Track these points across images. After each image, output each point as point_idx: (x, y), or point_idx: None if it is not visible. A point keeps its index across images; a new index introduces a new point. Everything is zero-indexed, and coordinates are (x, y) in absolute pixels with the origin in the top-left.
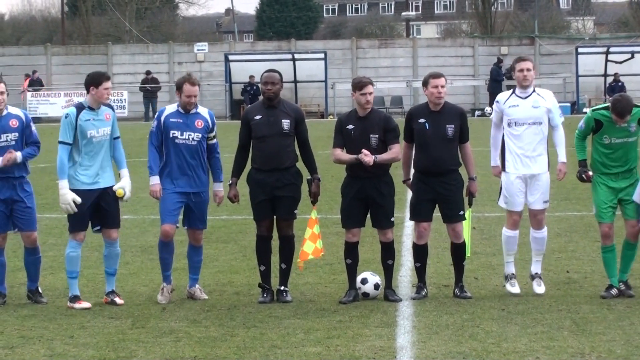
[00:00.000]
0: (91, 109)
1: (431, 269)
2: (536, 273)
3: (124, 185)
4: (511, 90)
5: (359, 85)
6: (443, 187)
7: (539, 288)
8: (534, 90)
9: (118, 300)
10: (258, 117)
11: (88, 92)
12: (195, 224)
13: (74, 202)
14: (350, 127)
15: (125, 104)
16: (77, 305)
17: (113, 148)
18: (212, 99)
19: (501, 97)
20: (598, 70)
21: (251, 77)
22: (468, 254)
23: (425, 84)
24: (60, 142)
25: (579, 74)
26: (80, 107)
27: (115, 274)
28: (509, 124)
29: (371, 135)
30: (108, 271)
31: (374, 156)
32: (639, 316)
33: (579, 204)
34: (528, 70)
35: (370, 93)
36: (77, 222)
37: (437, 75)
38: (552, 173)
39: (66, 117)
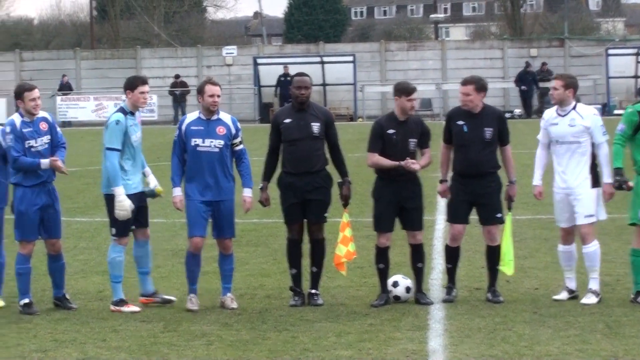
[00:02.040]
0: (131, 113)
1: (463, 271)
2: (589, 289)
3: (157, 183)
4: (555, 107)
5: (406, 90)
6: (480, 189)
7: (584, 299)
8: (573, 108)
9: (169, 297)
10: (288, 120)
11: (127, 96)
12: (222, 233)
13: (130, 208)
14: (392, 131)
15: (154, 108)
16: (125, 308)
17: None
18: (241, 102)
19: (546, 114)
20: (629, 71)
21: (285, 67)
22: (511, 270)
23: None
24: (109, 149)
25: (610, 75)
26: (124, 112)
27: (150, 273)
28: (551, 142)
29: (410, 140)
30: (144, 271)
31: (415, 161)
32: None
33: (610, 205)
34: (555, 89)
35: (416, 99)
36: (125, 227)
37: (465, 82)
38: None
39: (117, 124)
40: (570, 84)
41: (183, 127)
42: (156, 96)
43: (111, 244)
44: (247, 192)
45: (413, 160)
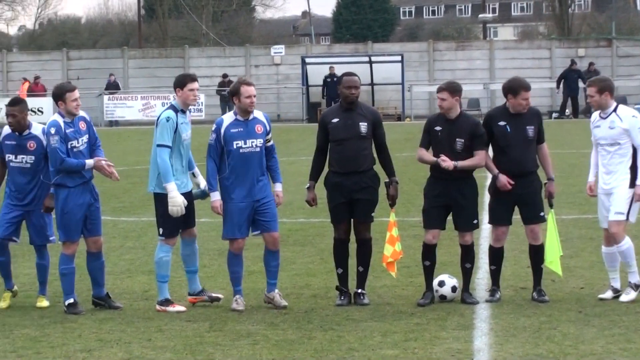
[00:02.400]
0: (182, 111)
1: (508, 271)
2: (629, 283)
3: (207, 184)
4: (599, 110)
5: (525, 87)
6: (523, 189)
7: (623, 296)
8: (614, 110)
9: (216, 294)
10: (335, 120)
11: (176, 94)
12: (270, 227)
13: (183, 205)
14: (438, 128)
15: (202, 107)
16: (170, 308)
17: None
18: (289, 101)
19: (592, 116)
20: None
21: (331, 67)
22: (561, 252)
23: (514, 92)
24: (160, 146)
25: None
26: (175, 110)
27: (197, 272)
28: (594, 143)
29: (457, 139)
30: (192, 270)
31: (454, 162)
32: None
33: None
34: (591, 96)
35: (444, 99)
36: (174, 226)
37: (529, 88)
38: None
39: (167, 120)
40: (604, 87)
41: (222, 131)
42: (204, 95)
43: (159, 243)
44: (279, 187)
45: (445, 158)
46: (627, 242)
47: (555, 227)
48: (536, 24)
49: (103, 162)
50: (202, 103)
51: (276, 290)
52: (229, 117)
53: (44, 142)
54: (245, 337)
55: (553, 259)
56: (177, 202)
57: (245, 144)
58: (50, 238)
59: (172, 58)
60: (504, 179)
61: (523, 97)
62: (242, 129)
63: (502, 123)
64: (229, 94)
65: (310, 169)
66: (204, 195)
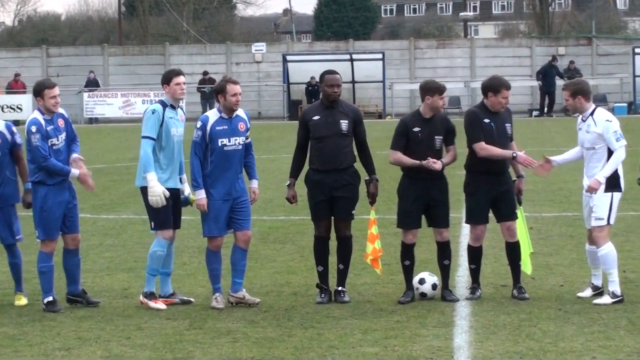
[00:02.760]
0: (172, 107)
1: (488, 268)
2: (608, 289)
3: (191, 191)
4: (576, 113)
5: (439, 90)
6: (502, 186)
7: (598, 299)
8: (591, 113)
9: (187, 298)
10: (316, 117)
11: (164, 90)
12: (245, 226)
13: (164, 195)
14: (417, 129)
15: (182, 104)
16: (152, 303)
17: None
18: (270, 99)
19: (578, 119)
20: None
21: (312, 78)
22: (531, 249)
23: (495, 90)
24: (145, 137)
25: (636, 74)
26: (164, 104)
27: (171, 274)
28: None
29: (436, 137)
30: (165, 272)
31: (440, 161)
32: None
33: (636, 203)
34: (566, 100)
35: (445, 97)
36: (164, 218)
37: (510, 87)
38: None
39: (153, 113)
40: (576, 91)
41: (208, 128)
42: None
43: (156, 237)
44: (255, 184)
45: (434, 160)
46: (607, 248)
47: (525, 224)
48: (517, 22)
49: (90, 180)
50: (182, 100)
51: (243, 289)
52: (213, 115)
53: (9, 138)
54: (225, 335)
55: (523, 257)
56: (156, 192)
57: (229, 142)
58: (17, 237)
59: (152, 55)
60: (525, 156)
61: (503, 95)
62: (227, 127)
63: (487, 120)
64: (214, 91)
65: (291, 166)
66: (186, 202)
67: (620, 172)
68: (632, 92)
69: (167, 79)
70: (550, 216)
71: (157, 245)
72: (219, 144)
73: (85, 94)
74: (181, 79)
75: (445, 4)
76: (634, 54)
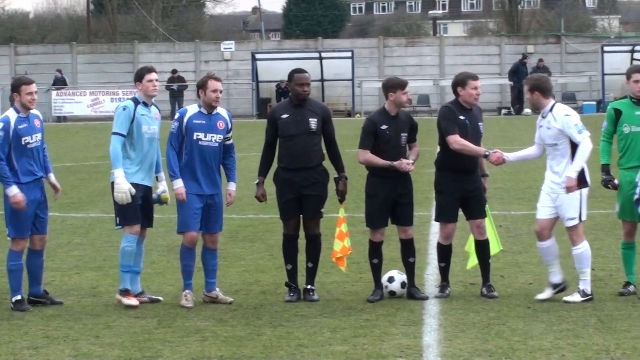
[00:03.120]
0: (145, 104)
1: (457, 266)
2: (578, 288)
3: (166, 190)
4: (536, 109)
5: (401, 85)
6: (472, 184)
7: (569, 296)
8: (550, 110)
9: (156, 297)
10: (285, 115)
11: (137, 88)
12: (214, 227)
13: (130, 192)
14: (385, 127)
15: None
16: (125, 300)
17: None
18: (238, 97)
19: (538, 116)
20: (624, 68)
21: (282, 81)
22: (500, 247)
23: (462, 84)
24: (115, 133)
25: (605, 72)
26: (136, 101)
27: (140, 273)
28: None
29: (402, 134)
30: (136, 270)
31: (409, 160)
32: None
33: (605, 202)
34: (526, 94)
35: (408, 92)
36: (131, 214)
37: (476, 77)
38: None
39: (124, 109)
40: (533, 86)
41: (185, 120)
42: None
43: (124, 234)
44: (233, 186)
45: (407, 161)
46: (583, 247)
47: (492, 222)
48: (486, 20)
49: (22, 203)
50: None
51: (217, 289)
52: (193, 108)
53: None
54: (193, 334)
55: (493, 245)
56: (122, 189)
57: (205, 137)
58: None
59: (121, 53)
60: (496, 156)
61: (472, 86)
62: (204, 122)
63: (462, 117)
64: (197, 86)
65: (259, 164)
66: (158, 200)
67: (585, 167)
68: (601, 90)
69: (140, 76)
70: (519, 214)
71: (125, 241)
72: (194, 137)
73: (54, 92)
74: (153, 75)
75: (414, 2)
76: (603, 52)
